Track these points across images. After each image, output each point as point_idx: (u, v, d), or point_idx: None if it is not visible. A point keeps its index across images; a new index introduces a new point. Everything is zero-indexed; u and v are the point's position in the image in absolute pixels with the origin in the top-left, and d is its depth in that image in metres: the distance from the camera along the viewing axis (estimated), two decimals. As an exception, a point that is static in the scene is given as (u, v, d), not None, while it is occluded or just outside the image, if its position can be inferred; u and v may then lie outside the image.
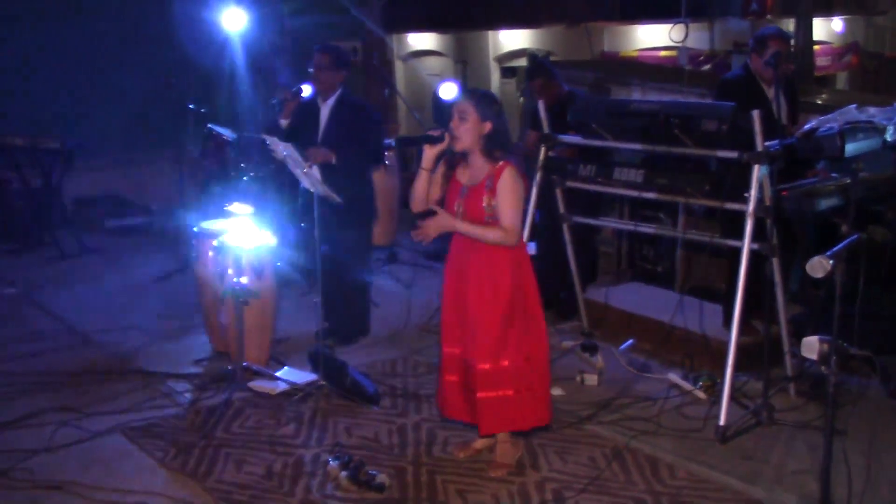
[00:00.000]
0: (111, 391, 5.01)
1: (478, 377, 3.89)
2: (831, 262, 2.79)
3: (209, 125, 7.79)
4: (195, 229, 5.77)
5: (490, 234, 3.83)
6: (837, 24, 17.21)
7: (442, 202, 4.02)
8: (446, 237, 4.03)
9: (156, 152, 10.06)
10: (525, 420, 4.01)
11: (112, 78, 10.34)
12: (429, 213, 3.86)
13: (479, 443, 4.24)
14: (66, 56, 10.05)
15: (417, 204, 4.00)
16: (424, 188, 3.97)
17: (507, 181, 3.80)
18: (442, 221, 3.86)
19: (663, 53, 15.06)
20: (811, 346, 2.83)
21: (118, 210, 9.54)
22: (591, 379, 5.05)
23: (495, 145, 3.84)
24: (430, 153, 3.92)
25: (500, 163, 3.83)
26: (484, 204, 3.82)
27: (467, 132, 3.82)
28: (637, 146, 4.79)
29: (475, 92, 3.99)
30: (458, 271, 3.98)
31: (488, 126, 3.83)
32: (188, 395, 4.93)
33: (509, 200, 3.80)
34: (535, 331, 3.98)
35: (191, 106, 7.74)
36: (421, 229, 3.86)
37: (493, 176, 3.82)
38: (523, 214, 4.01)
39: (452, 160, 3.98)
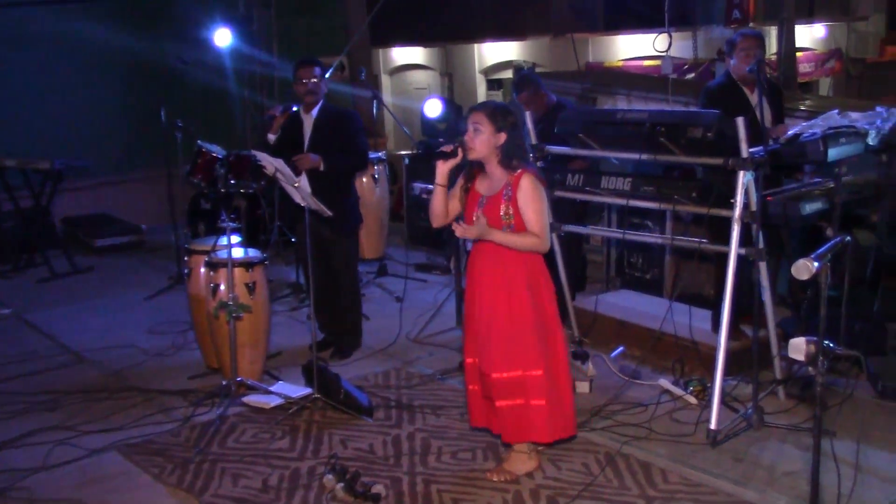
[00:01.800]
0: (106, 409, 5.02)
1: (493, 386, 3.94)
2: (816, 264, 2.84)
3: (198, 142, 7.83)
4: (187, 246, 5.80)
5: (523, 241, 3.85)
6: (820, 30, 17.38)
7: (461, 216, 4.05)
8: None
9: (144, 171, 10.09)
10: (544, 432, 3.99)
11: (100, 98, 10.39)
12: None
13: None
14: (54, 78, 10.09)
15: (437, 219, 4.05)
16: (442, 203, 4.01)
17: (528, 188, 3.82)
18: (481, 229, 3.82)
19: (647, 63, 15.19)
20: (798, 347, 2.88)
21: (107, 229, 9.55)
22: (583, 386, 5.09)
23: (512, 155, 3.86)
24: (443, 168, 3.94)
25: (518, 171, 3.85)
26: (501, 213, 3.84)
27: (482, 143, 3.85)
28: (625, 155, 4.85)
29: (489, 104, 4.00)
30: (475, 284, 4.01)
31: (503, 137, 3.85)
32: (183, 412, 4.94)
33: (534, 206, 3.82)
34: (553, 343, 4.00)
35: (179, 123, 7.77)
36: (462, 228, 3.82)
37: (512, 184, 3.84)
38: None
39: (470, 172, 4.02)
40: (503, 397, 3.95)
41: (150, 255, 9.02)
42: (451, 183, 4.03)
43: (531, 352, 3.93)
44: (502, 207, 3.85)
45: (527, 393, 3.94)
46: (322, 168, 5.43)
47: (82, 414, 4.96)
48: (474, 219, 3.88)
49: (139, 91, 9.88)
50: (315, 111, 5.58)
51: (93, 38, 10.16)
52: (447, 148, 3.92)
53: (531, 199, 3.83)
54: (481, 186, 3.98)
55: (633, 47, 16.11)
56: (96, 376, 5.60)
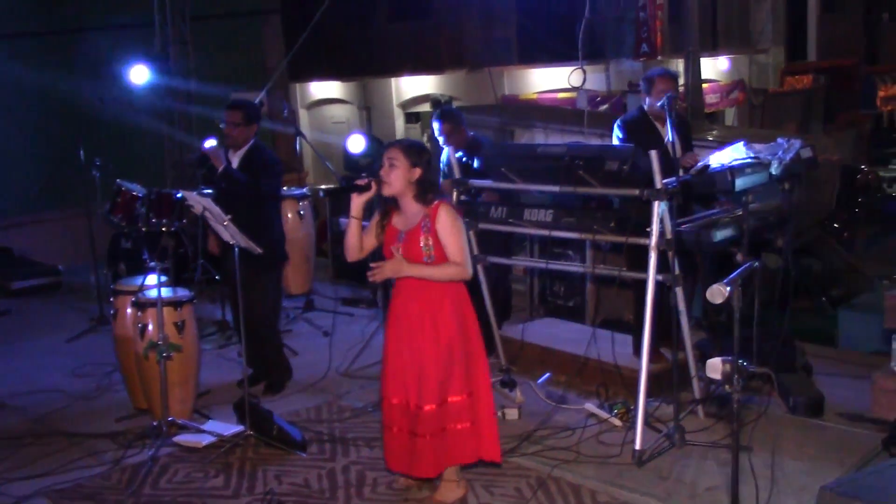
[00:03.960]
0: (32, 454, 4.92)
1: (423, 419, 3.96)
2: (728, 288, 3.03)
3: (118, 181, 7.75)
4: (113, 286, 5.74)
5: (443, 271, 3.94)
6: (723, 62, 18.15)
7: (379, 251, 4.12)
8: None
9: (60, 211, 9.91)
10: (467, 453, 4.08)
11: (12, 137, 10.18)
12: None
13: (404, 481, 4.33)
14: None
15: (351, 252, 4.11)
16: (356, 235, 4.08)
17: (446, 218, 3.94)
18: (395, 266, 3.94)
19: (561, 95, 15.61)
20: (715, 366, 3.06)
21: (23, 271, 9.29)
22: (512, 413, 5.21)
23: (427, 190, 3.98)
24: (357, 201, 4.03)
25: (435, 203, 3.97)
26: (422, 244, 3.93)
27: (397, 178, 3.95)
28: (546, 187, 5.03)
29: (404, 141, 4.14)
30: (400, 320, 4.06)
31: (418, 172, 3.96)
32: (113, 454, 4.88)
33: (453, 235, 3.93)
34: (477, 369, 4.09)
35: (97, 161, 7.68)
36: (376, 271, 3.93)
37: (430, 216, 3.94)
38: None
39: (385, 209, 4.10)
40: (427, 430, 3.98)
41: (69, 297, 8.82)
42: (365, 216, 4.12)
43: (456, 379, 4.01)
44: (422, 239, 3.94)
45: (450, 418, 4.00)
46: (220, 170, 5.40)
47: (6, 461, 4.85)
48: (393, 250, 3.98)
49: (55, 130, 9.72)
50: (242, 152, 5.58)
51: (4, 76, 9.99)
52: (362, 181, 4.03)
53: (451, 228, 3.94)
54: (398, 222, 4.07)
55: (547, 80, 16.55)
56: (19, 422, 5.47)
